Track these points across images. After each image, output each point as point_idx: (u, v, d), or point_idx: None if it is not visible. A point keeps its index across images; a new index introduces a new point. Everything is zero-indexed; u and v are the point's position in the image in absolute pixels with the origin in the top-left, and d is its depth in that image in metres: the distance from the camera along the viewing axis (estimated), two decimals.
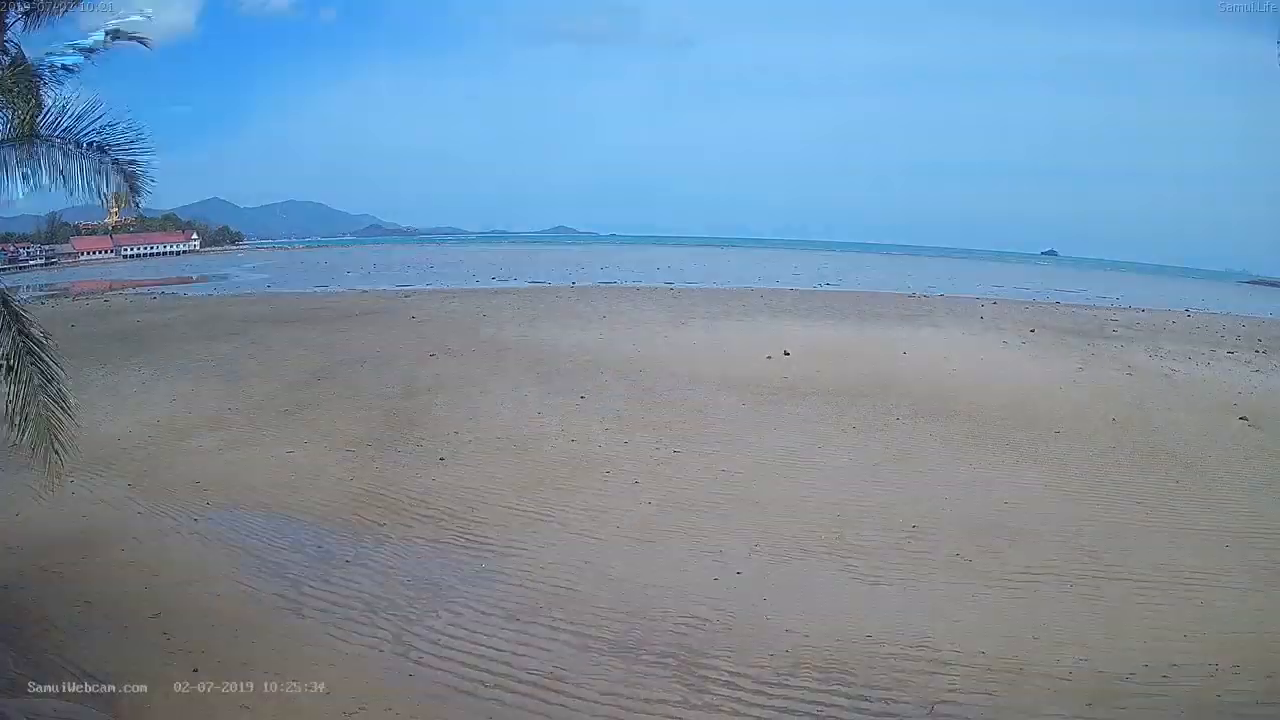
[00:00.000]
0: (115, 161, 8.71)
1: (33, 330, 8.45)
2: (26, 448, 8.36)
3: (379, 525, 13.32)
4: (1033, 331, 37.44)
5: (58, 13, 9.09)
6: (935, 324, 38.92)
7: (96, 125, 8.67)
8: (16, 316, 8.34)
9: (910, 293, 60.32)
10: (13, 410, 8.18)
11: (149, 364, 27.79)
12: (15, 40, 8.96)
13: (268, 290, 58.03)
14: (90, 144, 8.65)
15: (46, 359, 8.42)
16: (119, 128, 8.75)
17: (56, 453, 8.38)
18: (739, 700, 8.61)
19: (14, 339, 8.23)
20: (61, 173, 8.55)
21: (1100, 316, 47.66)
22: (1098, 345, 33.85)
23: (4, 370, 8.12)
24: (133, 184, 8.87)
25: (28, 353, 8.30)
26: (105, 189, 8.77)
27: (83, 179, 8.65)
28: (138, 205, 9.00)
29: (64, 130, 8.59)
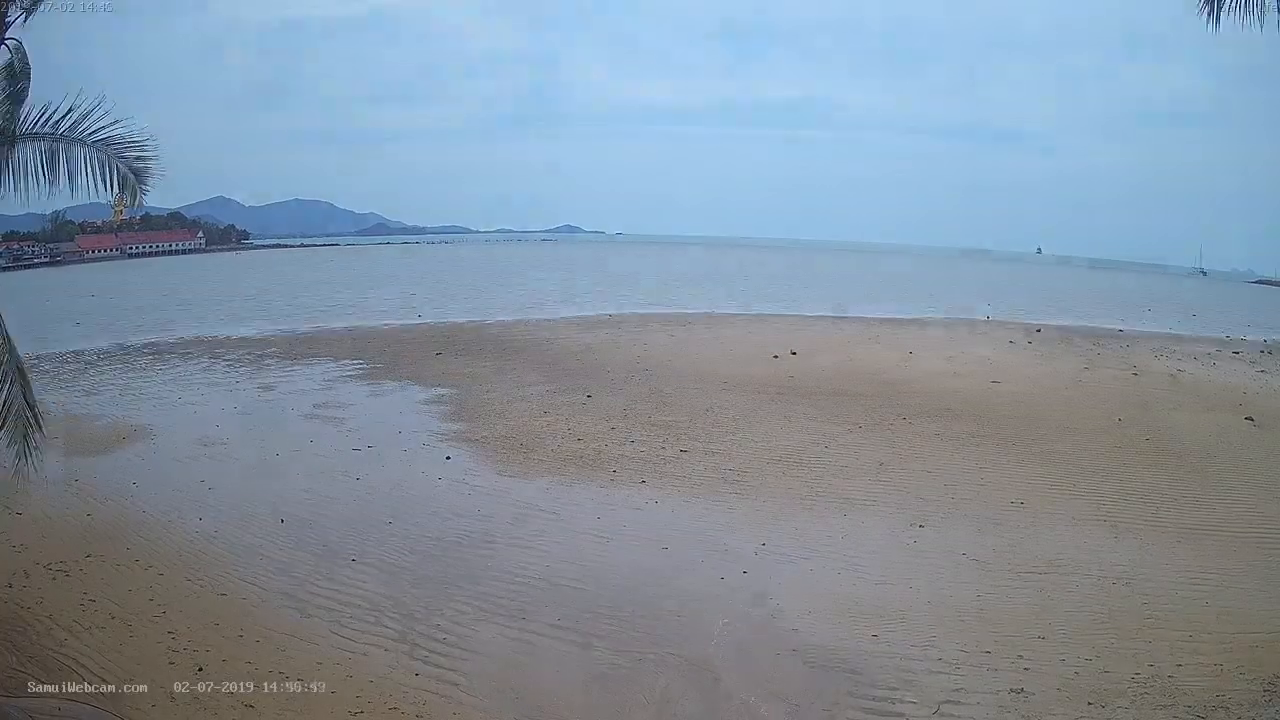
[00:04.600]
0: (122, 157, 8.93)
1: (19, 357, 9.33)
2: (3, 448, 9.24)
3: (385, 524, 13.31)
4: (1039, 331, 37.38)
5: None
6: (940, 324, 38.88)
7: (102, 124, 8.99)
8: (10, 346, 9.09)
9: (915, 293, 60.25)
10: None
11: (153, 365, 27.91)
12: (16, 38, 8.96)
13: None
14: (97, 142, 8.92)
15: (26, 381, 9.29)
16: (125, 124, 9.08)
17: (29, 457, 9.20)
18: (742, 700, 8.57)
19: (13, 364, 9.09)
20: (67, 168, 8.88)
21: (1104, 316, 47.52)
22: (1103, 345, 33.75)
23: None
24: (139, 175, 9.15)
25: (19, 375, 9.11)
26: (112, 183, 9.07)
27: (87, 172, 9.02)
28: (144, 193, 9.25)
29: (69, 127, 8.83)
